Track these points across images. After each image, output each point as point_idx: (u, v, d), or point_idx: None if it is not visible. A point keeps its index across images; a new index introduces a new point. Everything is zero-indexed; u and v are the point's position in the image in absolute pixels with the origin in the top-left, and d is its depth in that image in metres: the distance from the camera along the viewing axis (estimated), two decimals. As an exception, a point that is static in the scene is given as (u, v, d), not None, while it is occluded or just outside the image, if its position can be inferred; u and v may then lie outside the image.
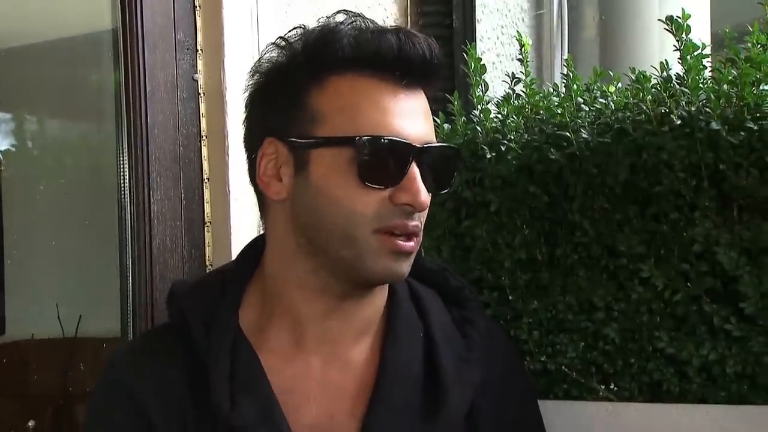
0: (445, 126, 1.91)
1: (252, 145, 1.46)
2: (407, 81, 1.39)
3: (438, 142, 1.44)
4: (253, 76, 1.47)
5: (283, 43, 1.43)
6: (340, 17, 1.41)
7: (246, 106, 1.49)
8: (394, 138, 1.35)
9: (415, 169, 1.37)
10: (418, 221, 1.39)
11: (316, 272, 1.41)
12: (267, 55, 1.45)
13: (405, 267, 1.40)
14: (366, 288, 1.44)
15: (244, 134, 1.50)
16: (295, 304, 1.43)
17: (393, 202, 1.36)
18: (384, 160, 1.35)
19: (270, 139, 1.42)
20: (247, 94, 1.49)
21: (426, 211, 1.42)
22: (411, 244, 1.39)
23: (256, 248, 1.52)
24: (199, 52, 2.12)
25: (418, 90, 1.41)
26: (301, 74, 1.40)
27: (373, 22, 1.41)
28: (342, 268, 1.39)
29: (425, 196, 1.37)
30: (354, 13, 1.42)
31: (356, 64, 1.38)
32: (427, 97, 1.44)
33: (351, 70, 1.38)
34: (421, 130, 1.39)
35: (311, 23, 1.43)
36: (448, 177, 1.45)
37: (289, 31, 1.44)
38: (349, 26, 1.39)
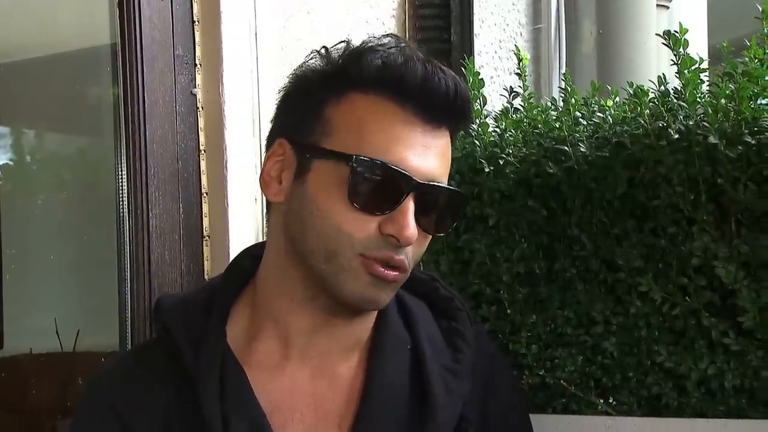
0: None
1: (268, 144, 1.46)
2: (428, 115, 1.36)
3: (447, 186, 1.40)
4: (288, 78, 1.46)
5: (324, 51, 1.42)
6: (385, 39, 1.39)
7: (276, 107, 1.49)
8: (395, 167, 1.33)
9: (409, 203, 1.33)
10: (405, 257, 1.36)
11: (304, 283, 1.40)
12: (308, 61, 1.44)
13: (384, 295, 1.38)
14: (349, 310, 1.41)
15: (268, 134, 1.49)
16: (283, 315, 1.42)
17: (380, 232, 1.33)
18: (378, 186, 1.32)
19: (281, 140, 1.42)
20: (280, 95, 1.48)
21: (417, 250, 1.39)
22: (394, 273, 1.36)
23: (246, 258, 1.51)
24: (198, 66, 2.12)
25: (439, 127, 1.37)
26: (326, 84, 1.39)
27: (419, 50, 1.39)
28: (322, 282, 1.37)
29: (412, 232, 1.33)
30: (401, 39, 1.40)
31: (380, 87, 1.36)
32: (452, 139, 1.41)
33: (374, 91, 1.36)
34: (428, 166, 1.35)
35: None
36: (449, 221, 1.42)
37: (337, 44, 1.43)
38: (390, 48, 1.37)
